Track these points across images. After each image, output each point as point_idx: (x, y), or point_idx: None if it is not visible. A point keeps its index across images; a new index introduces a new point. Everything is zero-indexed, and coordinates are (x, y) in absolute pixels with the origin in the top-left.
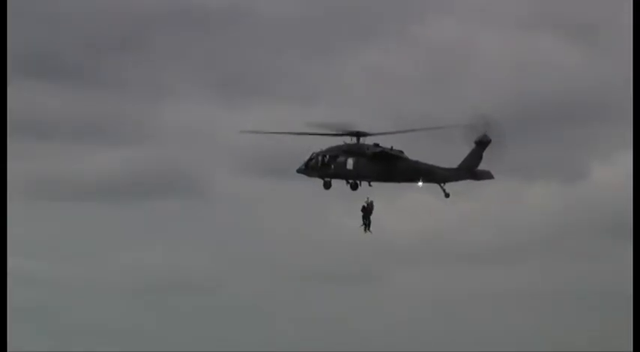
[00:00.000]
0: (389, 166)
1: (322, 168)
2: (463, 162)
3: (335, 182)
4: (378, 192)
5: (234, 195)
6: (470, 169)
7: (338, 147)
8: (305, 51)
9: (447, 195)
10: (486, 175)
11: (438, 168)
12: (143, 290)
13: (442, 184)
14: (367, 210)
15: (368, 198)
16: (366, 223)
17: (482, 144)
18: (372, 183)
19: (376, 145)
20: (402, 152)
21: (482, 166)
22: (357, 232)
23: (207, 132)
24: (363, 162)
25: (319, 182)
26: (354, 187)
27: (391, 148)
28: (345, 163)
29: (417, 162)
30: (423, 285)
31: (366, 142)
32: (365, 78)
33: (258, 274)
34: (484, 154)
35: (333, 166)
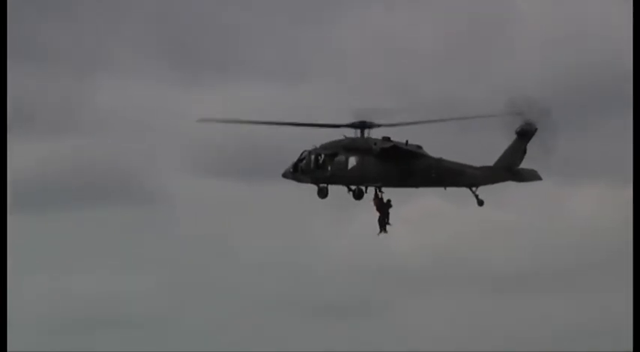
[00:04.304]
0: (404, 166)
1: (316, 170)
2: (501, 158)
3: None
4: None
5: (191, 199)
6: (510, 168)
7: (337, 143)
8: (289, 12)
9: (480, 203)
10: (532, 176)
11: (469, 167)
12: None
13: (474, 189)
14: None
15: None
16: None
17: (525, 134)
18: (382, 189)
19: (386, 139)
20: (420, 147)
21: (526, 164)
22: (360, 251)
23: (158, 118)
24: (370, 162)
25: (312, 188)
26: (359, 195)
27: (406, 143)
28: (345, 163)
29: (440, 161)
30: (443, 317)
31: (372, 136)
32: (369, 47)
33: (228, 304)
34: (528, 148)
35: (330, 168)
